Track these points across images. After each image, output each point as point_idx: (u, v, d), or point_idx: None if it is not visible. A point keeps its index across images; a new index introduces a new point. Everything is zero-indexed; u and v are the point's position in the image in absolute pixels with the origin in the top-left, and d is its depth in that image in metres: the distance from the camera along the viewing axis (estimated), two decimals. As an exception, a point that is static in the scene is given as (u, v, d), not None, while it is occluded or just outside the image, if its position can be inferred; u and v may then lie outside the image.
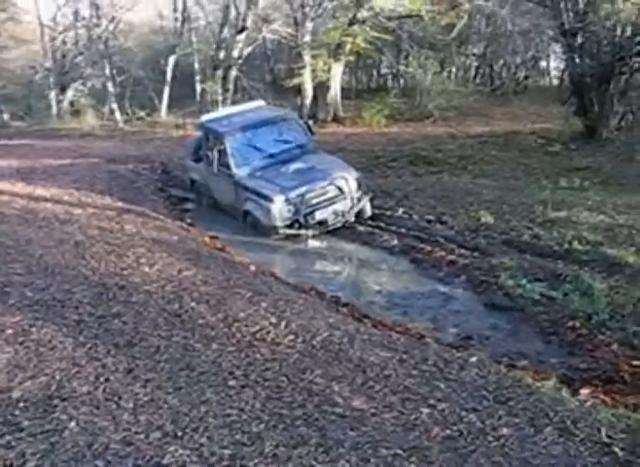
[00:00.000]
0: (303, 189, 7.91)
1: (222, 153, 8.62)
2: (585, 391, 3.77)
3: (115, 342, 4.23)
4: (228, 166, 8.53)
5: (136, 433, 3.22)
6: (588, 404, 3.50)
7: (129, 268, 5.70)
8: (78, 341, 4.27)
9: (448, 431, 3.19)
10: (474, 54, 23.53)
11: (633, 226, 7.12)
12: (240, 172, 8.45)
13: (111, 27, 23.43)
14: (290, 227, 7.93)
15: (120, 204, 8.89)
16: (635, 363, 4.27)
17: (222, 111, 10.55)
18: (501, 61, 23.92)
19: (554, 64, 23.79)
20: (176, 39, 23.21)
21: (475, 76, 23.50)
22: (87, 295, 5.01)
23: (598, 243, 6.61)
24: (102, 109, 23.48)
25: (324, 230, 8.08)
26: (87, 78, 25.03)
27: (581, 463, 2.91)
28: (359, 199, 8.31)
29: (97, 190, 10.01)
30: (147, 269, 5.68)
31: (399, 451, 3.01)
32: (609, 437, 3.08)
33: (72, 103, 24.75)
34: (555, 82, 23.27)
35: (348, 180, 8.26)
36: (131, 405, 3.48)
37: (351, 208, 8.20)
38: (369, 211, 8.57)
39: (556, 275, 5.95)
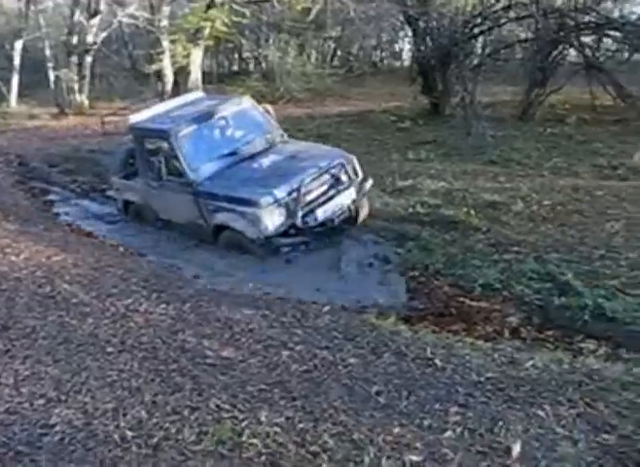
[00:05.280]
0: (293, 183, 6.37)
1: (168, 158, 6.88)
2: (419, 325, 4.53)
3: (-12, 328, 4.34)
4: (180, 173, 6.81)
5: (19, 403, 3.46)
6: (421, 333, 4.25)
7: (-6, 258, 5.69)
8: (-53, 331, 4.32)
9: (305, 366, 3.75)
10: (331, 38, 24.48)
11: (467, 189, 8.18)
12: (198, 177, 6.71)
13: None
14: (285, 235, 6.41)
15: (-25, 199, 8.55)
16: (461, 299, 5.15)
17: (153, 109, 8.07)
18: (357, 44, 25.17)
19: (408, 47, 25.48)
20: (22, 22, 21.73)
21: (332, 59, 24.46)
22: (-49, 288, 5.00)
23: (437, 206, 7.54)
24: (-59, 99, 21.51)
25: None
26: None
27: (410, 375, 3.59)
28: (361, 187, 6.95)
29: (-53, 185, 9.50)
30: (14, 257, 5.69)
31: (264, 386, 3.52)
32: (432, 353, 3.81)
33: None
34: (407, 63, 24.90)
35: (345, 166, 6.89)
36: (12, 380, 3.68)
37: (355, 200, 6.82)
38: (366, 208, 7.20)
39: (402, 235, 6.77)
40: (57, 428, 3.17)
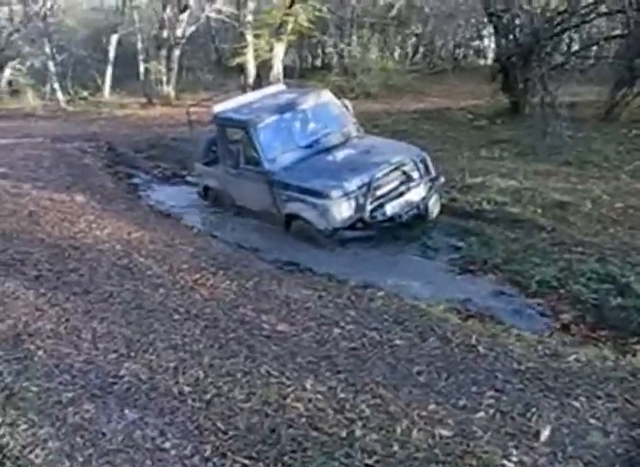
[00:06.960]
0: (364, 177, 6.44)
1: (246, 147, 7.13)
2: (468, 314, 4.63)
3: (73, 291, 4.87)
4: (256, 162, 7.00)
5: (96, 356, 3.90)
6: (469, 322, 4.36)
7: (82, 232, 6.29)
8: (39, 291, 4.88)
9: (353, 344, 3.97)
10: (415, 34, 24.38)
11: (537, 189, 8.06)
12: (274, 167, 6.87)
13: (49, 4, 23.04)
14: (353, 228, 6.47)
15: (68, 179, 9.30)
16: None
17: (237, 99, 8.34)
18: (441, 41, 24.93)
19: (493, 46, 24.96)
20: (118, 17, 23.08)
21: (413, 55, 24.35)
22: (44, 255, 5.61)
23: (504, 204, 7.51)
24: (43, 89, 23.21)
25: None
26: (25, 56, 24.57)
27: (452, 359, 3.74)
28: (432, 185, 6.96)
29: (45, 166, 10.35)
30: (98, 232, 6.27)
31: (312, 359, 3.78)
32: (477, 341, 3.93)
33: (10, 83, 24.28)
34: (490, 61, 24.40)
35: (417, 163, 6.90)
36: (90, 336, 4.14)
37: (424, 198, 6.82)
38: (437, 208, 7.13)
39: (465, 230, 6.81)
40: (126, 379, 3.58)
